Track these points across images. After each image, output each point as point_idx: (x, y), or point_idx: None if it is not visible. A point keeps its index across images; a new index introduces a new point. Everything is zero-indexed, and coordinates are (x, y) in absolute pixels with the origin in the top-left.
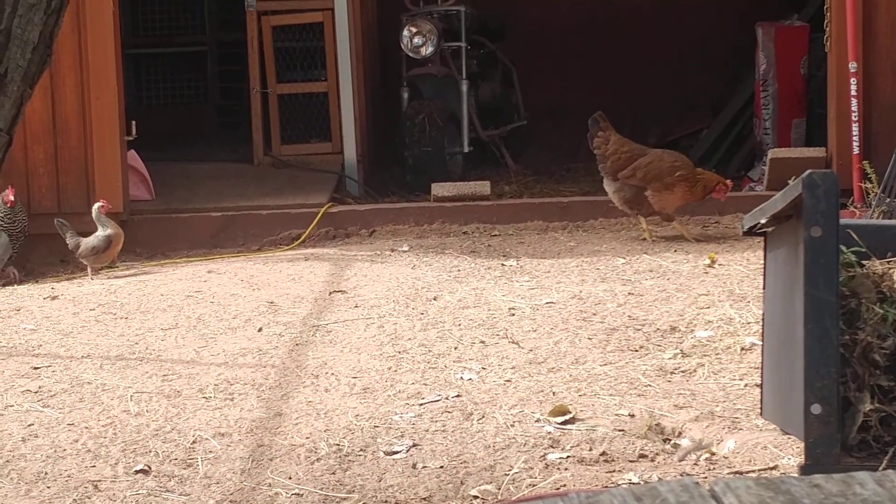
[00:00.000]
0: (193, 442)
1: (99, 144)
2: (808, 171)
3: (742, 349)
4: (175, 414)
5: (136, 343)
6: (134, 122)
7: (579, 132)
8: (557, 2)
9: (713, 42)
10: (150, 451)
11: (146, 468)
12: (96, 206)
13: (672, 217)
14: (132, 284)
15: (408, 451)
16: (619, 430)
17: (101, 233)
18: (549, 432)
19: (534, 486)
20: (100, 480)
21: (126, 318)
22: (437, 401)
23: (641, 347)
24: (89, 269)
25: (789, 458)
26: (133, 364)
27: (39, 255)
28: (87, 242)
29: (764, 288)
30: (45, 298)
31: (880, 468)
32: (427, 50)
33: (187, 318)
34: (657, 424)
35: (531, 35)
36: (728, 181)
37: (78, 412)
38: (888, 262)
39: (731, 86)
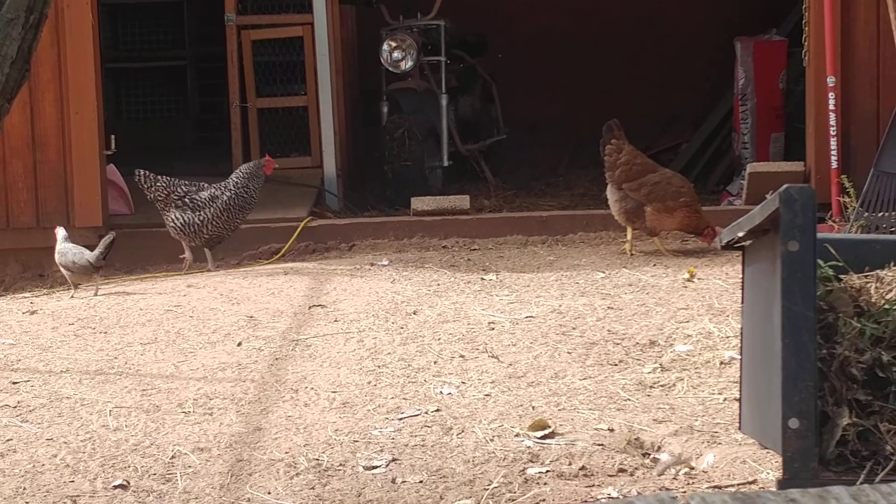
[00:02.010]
0: (172, 457)
1: (78, 158)
2: (785, 186)
3: (721, 363)
4: (154, 429)
5: (116, 358)
6: (113, 137)
7: (559, 147)
8: (538, 17)
9: (694, 56)
10: (129, 466)
11: (125, 483)
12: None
13: (657, 233)
14: (111, 299)
15: (387, 465)
16: (599, 445)
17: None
18: (529, 447)
19: (513, 500)
20: (78, 496)
21: (105, 332)
22: (417, 415)
23: (621, 362)
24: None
25: (768, 473)
26: (112, 379)
27: (16, 269)
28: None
29: (742, 302)
30: (23, 313)
31: (857, 483)
32: (407, 64)
33: (166, 333)
34: (636, 439)
35: (512, 50)
36: (717, 228)
37: (57, 427)
38: (866, 277)
39: (711, 100)
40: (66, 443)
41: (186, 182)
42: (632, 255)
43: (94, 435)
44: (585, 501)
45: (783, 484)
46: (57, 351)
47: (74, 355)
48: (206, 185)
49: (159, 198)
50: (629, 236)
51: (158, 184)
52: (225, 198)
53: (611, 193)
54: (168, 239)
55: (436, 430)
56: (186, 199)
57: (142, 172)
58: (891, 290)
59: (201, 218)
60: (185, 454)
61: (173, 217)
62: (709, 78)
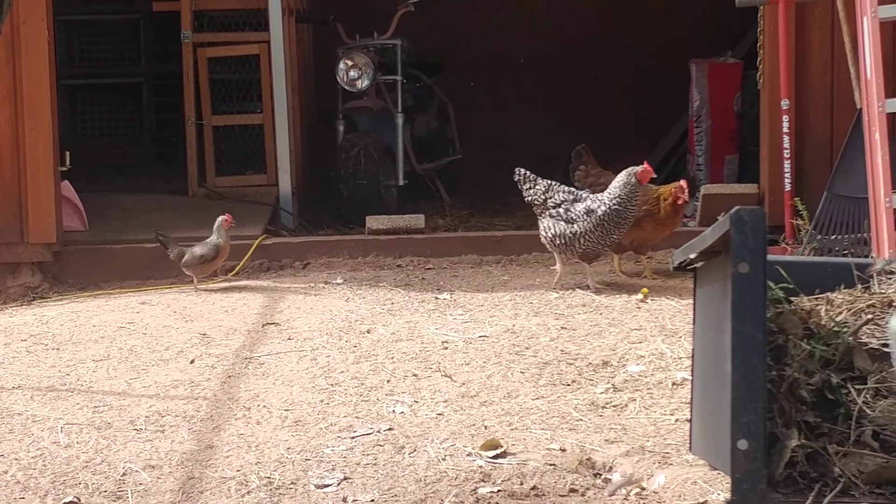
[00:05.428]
0: (123, 474)
1: (33, 175)
2: (735, 208)
3: (673, 384)
4: (105, 446)
5: (68, 374)
6: (68, 153)
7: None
8: (496, 37)
9: (652, 78)
10: (80, 483)
11: (75, 500)
12: (220, 219)
13: (629, 249)
14: (64, 315)
15: (339, 484)
16: (551, 465)
17: (210, 241)
18: (481, 466)
19: None
20: None
21: (57, 348)
22: (369, 434)
23: (573, 382)
24: (195, 280)
25: (718, 494)
26: (64, 395)
27: None
28: (194, 251)
29: (694, 323)
30: None
31: None
32: (363, 83)
33: (119, 350)
34: (588, 459)
35: (470, 69)
36: (681, 182)
37: (7, 443)
38: (816, 299)
39: (668, 121)
40: (16, 459)
41: (566, 190)
42: (620, 273)
43: (45, 451)
44: None
45: None
46: (8, 367)
47: (26, 371)
48: (583, 194)
49: (536, 202)
50: (644, 263)
51: (538, 187)
52: (601, 212)
53: None
54: (122, 255)
55: (388, 449)
56: (562, 209)
57: (522, 172)
58: (840, 313)
59: (573, 231)
60: (137, 471)
61: (545, 226)
62: (668, 99)
